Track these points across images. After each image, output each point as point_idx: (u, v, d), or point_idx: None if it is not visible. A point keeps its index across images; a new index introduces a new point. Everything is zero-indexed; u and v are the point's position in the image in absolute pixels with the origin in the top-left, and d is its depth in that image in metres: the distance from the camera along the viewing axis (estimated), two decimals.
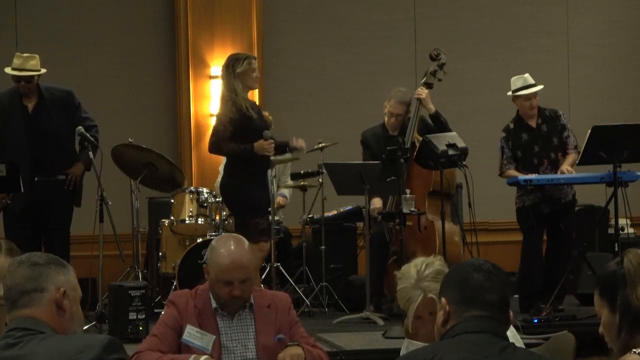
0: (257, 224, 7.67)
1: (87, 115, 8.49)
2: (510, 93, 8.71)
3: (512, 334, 4.14)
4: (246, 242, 4.75)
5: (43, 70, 8.37)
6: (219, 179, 9.32)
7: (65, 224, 8.41)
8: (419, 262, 4.15)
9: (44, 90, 8.36)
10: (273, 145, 7.76)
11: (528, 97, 8.61)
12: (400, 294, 4.13)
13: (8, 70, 8.35)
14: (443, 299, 3.03)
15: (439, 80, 8.82)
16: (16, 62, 8.32)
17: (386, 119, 8.86)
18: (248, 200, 7.70)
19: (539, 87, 8.72)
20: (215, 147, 7.79)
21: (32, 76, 8.28)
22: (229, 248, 4.64)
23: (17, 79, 8.28)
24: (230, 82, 7.70)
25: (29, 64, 8.30)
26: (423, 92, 8.72)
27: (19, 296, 3.09)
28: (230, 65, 7.72)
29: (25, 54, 8.36)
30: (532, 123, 8.69)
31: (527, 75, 8.71)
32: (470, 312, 2.98)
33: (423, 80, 8.84)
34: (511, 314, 3.05)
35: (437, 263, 4.15)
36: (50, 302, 3.10)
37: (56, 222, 8.36)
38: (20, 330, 3.04)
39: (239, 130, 7.66)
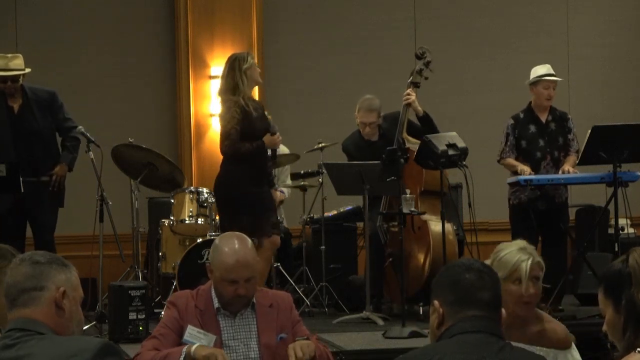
0: (269, 218, 7.71)
1: (69, 117, 8.49)
2: (530, 79, 8.72)
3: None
4: (249, 240, 4.75)
5: (27, 70, 8.37)
6: None
7: (52, 225, 8.39)
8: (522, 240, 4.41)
9: (28, 91, 8.35)
10: (280, 138, 7.84)
11: (548, 85, 8.65)
12: (504, 259, 4.29)
13: None
14: (436, 302, 3.03)
15: (426, 78, 8.82)
16: (0, 62, 8.31)
17: (361, 129, 8.89)
18: (255, 199, 7.71)
19: (560, 79, 8.80)
20: (232, 149, 7.65)
21: (18, 76, 8.27)
22: (233, 247, 4.64)
23: (4, 79, 8.27)
24: (235, 80, 7.67)
25: (14, 64, 8.29)
26: (412, 95, 8.70)
27: (19, 294, 3.10)
28: (237, 63, 7.71)
29: (8, 55, 8.36)
30: (542, 117, 8.72)
31: (549, 65, 8.78)
32: (465, 313, 2.97)
33: (410, 80, 8.84)
34: (503, 312, 3.05)
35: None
36: (50, 302, 3.10)
37: (43, 223, 8.35)
38: (19, 331, 3.04)
39: (245, 130, 7.68)
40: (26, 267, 3.13)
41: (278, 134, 7.80)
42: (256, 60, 8.40)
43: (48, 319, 3.08)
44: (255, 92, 9.30)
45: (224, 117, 7.71)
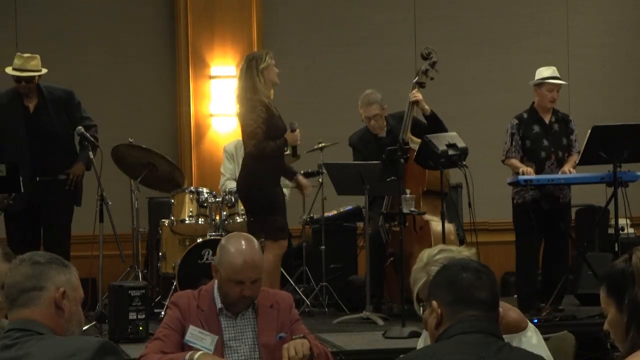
0: (276, 220, 7.74)
1: (87, 115, 8.49)
2: (535, 80, 8.71)
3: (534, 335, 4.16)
4: (256, 241, 4.75)
5: (44, 71, 8.35)
6: (222, 180, 9.35)
7: (66, 224, 8.42)
8: (438, 247, 4.15)
9: (44, 90, 8.34)
10: (299, 134, 7.91)
11: (552, 88, 8.65)
12: (411, 276, 4.12)
13: (9, 70, 8.33)
14: (434, 302, 3.02)
15: (431, 79, 8.83)
16: (17, 62, 8.29)
17: (367, 124, 8.91)
18: (272, 199, 7.75)
19: (564, 83, 8.80)
20: (259, 149, 7.72)
21: (33, 77, 8.26)
22: (240, 247, 4.63)
23: (18, 79, 8.26)
24: (253, 80, 7.71)
25: (30, 65, 8.27)
26: (418, 94, 8.71)
27: (18, 294, 3.09)
28: (254, 62, 7.75)
29: (25, 54, 8.34)
30: (546, 118, 8.72)
31: (555, 68, 8.78)
32: (464, 313, 2.98)
33: (415, 80, 8.84)
34: (501, 311, 3.05)
35: (460, 251, 4.11)
36: (49, 302, 3.09)
37: (58, 222, 8.36)
38: (18, 331, 3.03)
39: (268, 128, 7.72)
40: (26, 268, 3.13)
41: (298, 130, 7.86)
42: None
43: (47, 320, 3.07)
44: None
45: (248, 117, 7.74)
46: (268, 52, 7.99)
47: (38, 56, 8.36)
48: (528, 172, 8.48)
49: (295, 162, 9.57)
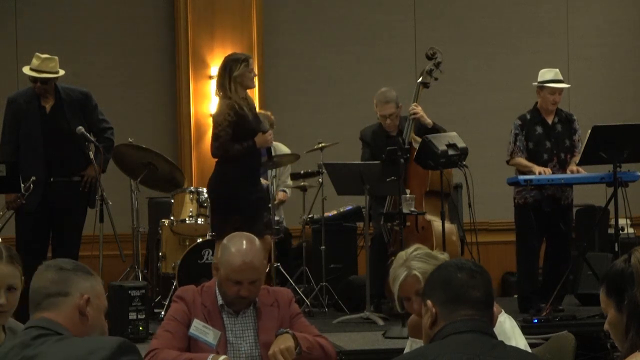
0: (261, 217, 7.73)
1: (104, 118, 8.44)
2: (537, 83, 8.71)
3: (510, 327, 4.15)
4: (258, 242, 4.76)
5: (61, 72, 8.29)
6: None
7: (78, 225, 8.33)
8: (413, 246, 4.24)
9: (61, 91, 8.29)
10: (272, 135, 7.81)
11: (554, 91, 8.64)
12: (389, 276, 4.16)
13: (26, 69, 8.27)
14: (429, 301, 3.04)
15: (436, 79, 8.81)
16: (35, 62, 8.21)
17: (382, 123, 8.88)
18: (234, 199, 7.71)
19: (567, 86, 8.78)
20: (221, 151, 7.72)
21: (49, 78, 8.21)
22: (241, 248, 4.66)
23: (33, 79, 8.21)
24: (224, 83, 7.70)
25: (48, 67, 8.19)
26: (417, 109, 8.64)
27: (43, 299, 3.10)
28: (227, 68, 7.72)
29: (44, 55, 8.22)
30: (549, 119, 8.71)
31: (557, 70, 8.76)
32: (459, 312, 2.99)
33: (419, 80, 8.83)
34: (495, 310, 3.06)
35: (434, 252, 4.17)
36: (73, 308, 3.09)
37: (70, 223, 8.30)
38: (38, 329, 3.04)
39: (237, 131, 7.68)
40: (51, 273, 3.13)
41: (270, 131, 7.80)
42: (256, 60, 8.43)
43: (70, 324, 3.07)
44: (255, 92, 9.30)
45: (215, 119, 7.76)
46: (247, 57, 7.90)
47: (56, 58, 8.27)
48: (545, 172, 8.46)
49: (294, 163, 9.59)
